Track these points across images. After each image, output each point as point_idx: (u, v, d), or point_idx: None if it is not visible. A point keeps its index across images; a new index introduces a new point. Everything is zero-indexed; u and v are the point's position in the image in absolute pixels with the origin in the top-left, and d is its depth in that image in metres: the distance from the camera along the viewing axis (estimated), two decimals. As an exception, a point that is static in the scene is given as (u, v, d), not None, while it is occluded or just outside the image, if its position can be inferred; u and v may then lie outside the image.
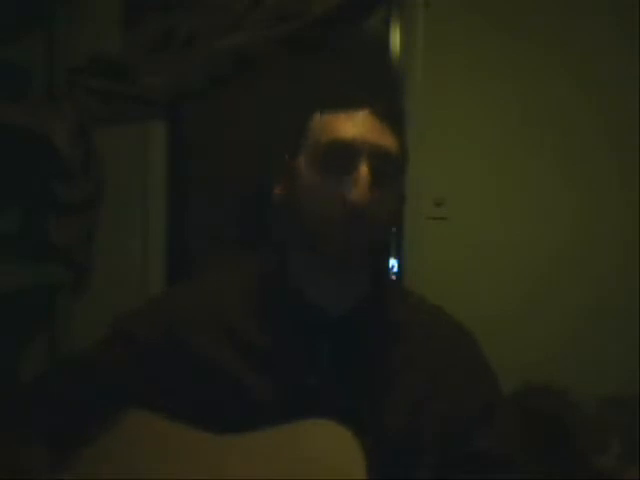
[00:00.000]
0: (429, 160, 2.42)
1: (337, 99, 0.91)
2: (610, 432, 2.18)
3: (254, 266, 1.00)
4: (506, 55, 2.44)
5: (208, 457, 0.85)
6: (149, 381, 0.93)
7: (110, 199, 2.27)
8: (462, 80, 2.44)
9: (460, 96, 2.44)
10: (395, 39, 2.52)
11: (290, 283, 0.93)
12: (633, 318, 2.37)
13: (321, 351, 0.90)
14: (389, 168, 0.89)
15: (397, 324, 0.94)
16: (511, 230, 2.45)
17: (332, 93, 0.95)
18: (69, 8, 2.11)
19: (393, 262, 2.50)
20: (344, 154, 0.86)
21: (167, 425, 0.88)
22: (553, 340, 2.36)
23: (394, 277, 2.45)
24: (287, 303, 0.93)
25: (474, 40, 2.43)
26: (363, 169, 0.85)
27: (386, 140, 0.88)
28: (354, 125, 0.87)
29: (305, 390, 0.88)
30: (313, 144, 0.89)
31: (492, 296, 2.38)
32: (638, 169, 2.43)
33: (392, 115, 0.91)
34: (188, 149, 2.53)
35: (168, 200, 2.43)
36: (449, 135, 2.44)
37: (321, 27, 2.04)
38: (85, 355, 0.98)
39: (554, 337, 2.37)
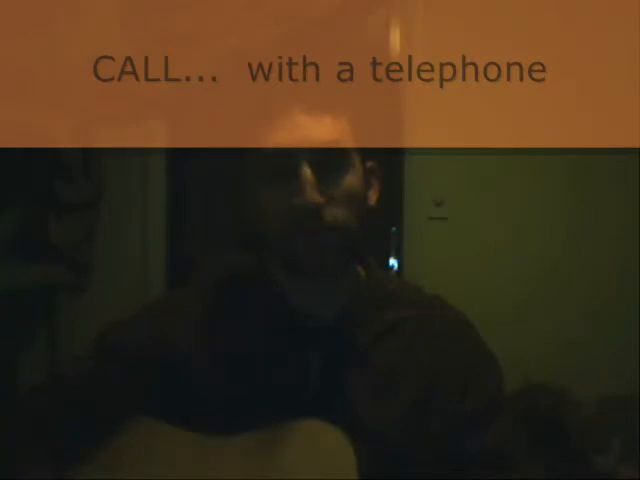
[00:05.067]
0: (429, 160, 2.42)
1: (271, 106, 0.88)
2: (610, 432, 2.18)
3: (246, 269, 1.00)
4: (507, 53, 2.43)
5: (204, 458, 0.85)
6: (148, 387, 0.93)
7: (110, 199, 2.27)
8: (462, 79, 2.43)
9: (460, 95, 2.44)
10: (395, 39, 2.52)
11: (277, 288, 0.93)
12: (633, 318, 2.37)
13: (312, 356, 0.89)
14: (336, 157, 0.85)
15: (392, 323, 0.92)
16: (511, 230, 2.46)
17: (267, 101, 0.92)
18: (69, 8, 2.11)
19: (393, 262, 2.50)
20: (283, 160, 0.84)
21: (172, 429, 0.88)
22: (553, 340, 2.36)
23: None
24: (275, 309, 0.92)
25: (474, 40, 2.43)
26: (304, 171, 0.82)
27: (322, 131, 0.85)
28: (287, 128, 0.84)
29: (297, 395, 0.88)
30: (257, 158, 0.88)
31: (492, 296, 2.38)
32: (638, 169, 2.43)
33: (323, 102, 0.87)
34: (188, 149, 2.52)
35: (168, 200, 2.43)
36: (449, 135, 2.44)
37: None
38: (83, 366, 0.96)
39: (554, 337, 2.37)
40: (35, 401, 0.96)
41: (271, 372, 0.89)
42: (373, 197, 0.94)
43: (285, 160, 0.84)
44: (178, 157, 2.49)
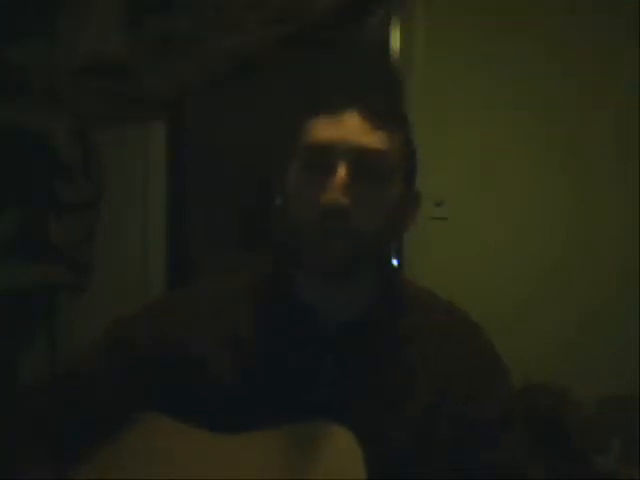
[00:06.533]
0: (429, 160, 2.41)
1: (323, 102, 0.89)
2: (610, 432, 2.18)
3: (254, 270, 0.99)
4: (506, 56, 2.44)
5: (211, 457, 0.85)
6: (148, 387, 0.93)
7: (110, 199, 2.27)
8: (462, 80, 2.44)
9: (460, 96, 2.45)
10: (395, 39, 2.52)
11: (291, 290, 0.92)
12: (633, 318, 2.37)
13: (324, 358, 0.89)
14: (377, 168, 0.85)
15: (407, 327, 0.92)
16: (511, 230, 2.46)
17: (319, 96, 0.92)
18: (69, 8, 2.11)
19: (393, 262, 2.50)
20: (323, 157, 0.84)
21: (175, 426, 0.88)
22: (553, 340, 2.36)
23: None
24: (287, 310, 0.92)
25: (474, 40, 2.43)
26: (340, 170, 0.82)
27: (371, 139, 0.84)
28: (334, 126, 0.85)
29: (307, 396, 0.88)
30: (298, 149, 0.88)
31: (492, 296, 2.38)
32: (638, 170, 2.43)
33: (383, 113, 0.88)
34: (188, 149, 2.53)
35: (168, 200, 2.43)
36: (449, 135, 2.45)
37: (320, 27, 2.04)
38: (84, 366, 0.96)
39: (554, 337, 2.37)
40: (35, 401, 0.96)
41: (283, 373, 0.89)
42: (408, 222, 0.93)
43: (326, 154, 0.84)
44: (178, 157, 2.49)
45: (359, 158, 0.84)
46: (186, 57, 2.07)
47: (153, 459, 0.87)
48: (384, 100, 0.91)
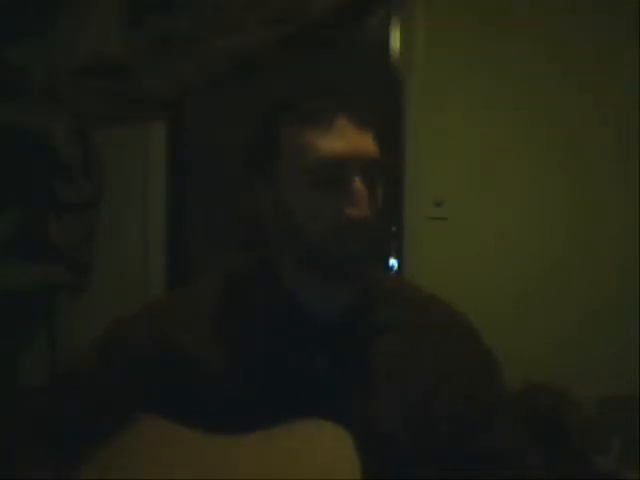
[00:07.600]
0: (429, 161, 2.42)
1: (308, 110, 0.89)
2: (610, 432, 2.18)
3: (253, 270, 1.00)
4: (506, 56, 2.44)
5: (205, 458, 0.85)
6: (148, 387, 0.93)
7: (110, 199, 2.27)
8: (462, 80, 2.44)
9: (460, 96, 2.45)
10: (395, 39, 2.52)
11: (281, 287, 0.93)
12: (633, 318, 2.37)
13: (323, 358, 0.90)
14: (378, 173, 0.89)
15: (404, 327, 0.93)
16: (511, 230, 2.46)
17: (301, 103, 0.92)
18: (69, 8, 2.11)
19: (393, 262, 2.50)
20: (336, 171, 0.85)
21: (175, 426, 0.88)
22: (553, 340, 2.36)
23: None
24: (286, 310, 0.92)
25: (474, 40, 2.43)
26: (358, 184, 0.85)
27: (371, 147, 0.88)
28: (340, 139, 0.86)
29: (301, 394, 0.88)
30: (296, 159, 0.87)
31: (492, 295, 2.38)
32: (638, 170, 2.44)
33: (368, 116, 0.89)
34: (188, 149, 2.53)
35: (168, 200, 2.43)
36: (449, 135, 2.45)
37: (320, 27, 2.04)
38: (84, 366, 0.97)
39: (554, 336, 2.37)
40: (35, 401, 0.96)
41: (282, 373, 0.90)
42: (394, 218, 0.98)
43: (339, 168, 0.86)
44: (178, 157, 2.49)
45: (368, 169, 0.87)
46: (186, 57, 2.07)
47: (153, 459, 0.87)
48: (362, 102, 0.93)
